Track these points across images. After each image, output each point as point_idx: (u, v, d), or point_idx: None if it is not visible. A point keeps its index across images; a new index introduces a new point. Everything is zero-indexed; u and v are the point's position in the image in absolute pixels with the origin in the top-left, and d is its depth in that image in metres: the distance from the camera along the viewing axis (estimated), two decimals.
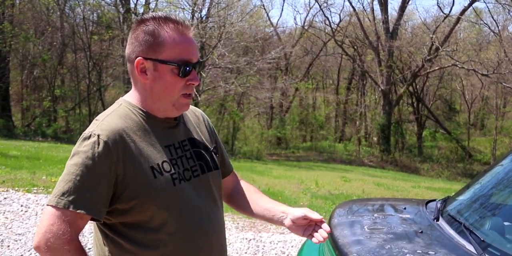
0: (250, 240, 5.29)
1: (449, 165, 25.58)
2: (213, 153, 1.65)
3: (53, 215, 1.33)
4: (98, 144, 1.37)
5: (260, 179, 11.30)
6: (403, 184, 12.93)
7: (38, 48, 24.14)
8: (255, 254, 4.87)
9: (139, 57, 1.44)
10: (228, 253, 4.76)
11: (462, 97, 33.79)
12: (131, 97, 1.52)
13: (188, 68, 1.44)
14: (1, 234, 4.84)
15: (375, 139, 29.13)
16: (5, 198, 6.33)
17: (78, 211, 1.33)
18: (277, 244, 5.20)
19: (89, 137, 1.39)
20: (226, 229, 5.90)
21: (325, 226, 1.58)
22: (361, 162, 24.87)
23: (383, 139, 26.59)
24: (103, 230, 1.45)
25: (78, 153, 1.37)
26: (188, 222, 1.46)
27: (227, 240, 5.16)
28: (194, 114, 1.70)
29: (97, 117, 1.47)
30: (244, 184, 1.85)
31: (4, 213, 5.66)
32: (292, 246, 5.10)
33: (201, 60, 1.51)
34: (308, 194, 9.20)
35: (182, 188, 1.47)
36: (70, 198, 1.33)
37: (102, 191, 1.36)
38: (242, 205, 1.80)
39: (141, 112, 1.49)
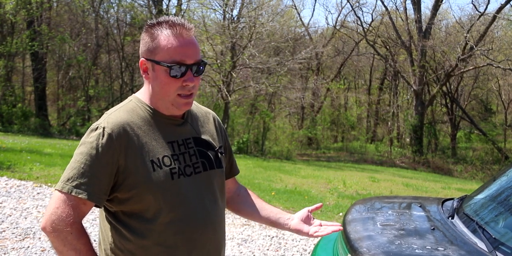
0: (273, 237, 5.34)
1: (484, 167, 24.92)
2: (218, 152, 1.70)
3: (58, 199, 1.43)
4: (103, 136, 1.46)
5: (287, 178, 11.30)
6: (433, 185, 12.70)
7: (74, 49, 24.72)
8: (277, 250, 4.92)
9: (142, 58, 1.53)
10: (250, 250, 4.85)
11: (498, 97, 32.92)
12: (141, 94, 1.61)
13: (181, 69, 1.48)
14: (34, 227, 5.04)
15: (407, 140, 28.68)
16: (38, 193, 6.58)
17: (79, 196, 1.42)
18: (299, 241, 5.24)
19: (96, 129, 1.49)
20: (249, 227, 5.95)
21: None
22: (392, 163, 24.51)
23: (415, 140, 26.14)
24: (107, 217, 1.55)
25: (85, 143, 1.48)
26: (183, 214, 1.52)
27: (250, 237, 5.25)
28: (205, 115, 1.76)
29: (107, 111, 1.57)
30: (245, 189, 1.94)
31: (37, 207, 5.88)
32: (313, 244, 5.13)
33: (203, 60, 1.53)
34: (335, 194, 9.16)
35: (181, 183, 1.53)
36: (74, 184, 1.43)
37: (103, 179, 1.45)
38: (245, 207, 1.88)
39: (148, 108, 1.56)
